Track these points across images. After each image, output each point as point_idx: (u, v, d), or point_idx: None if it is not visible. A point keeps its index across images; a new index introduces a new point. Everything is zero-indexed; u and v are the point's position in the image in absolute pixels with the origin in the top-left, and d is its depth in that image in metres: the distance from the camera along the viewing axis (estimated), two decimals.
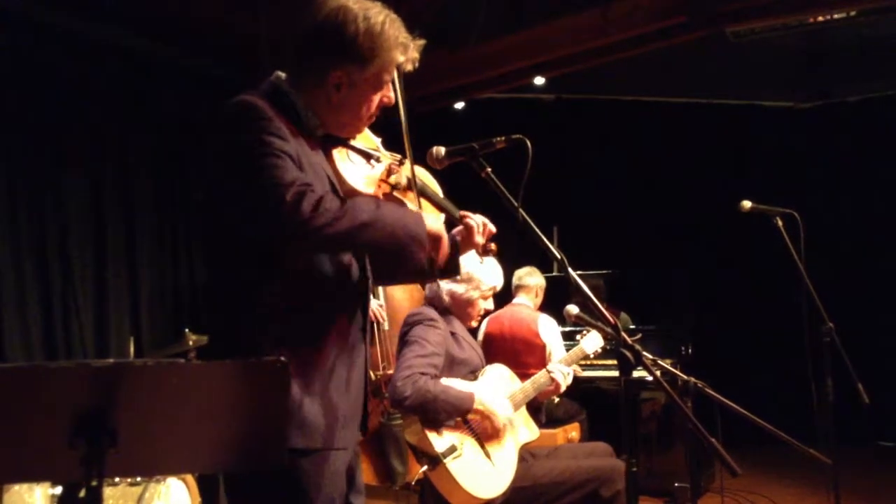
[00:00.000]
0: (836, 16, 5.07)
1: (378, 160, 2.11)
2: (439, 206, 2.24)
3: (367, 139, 2.18)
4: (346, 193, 2.01)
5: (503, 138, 2.07)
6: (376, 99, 1.99)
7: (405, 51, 1.96)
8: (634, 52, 5.44)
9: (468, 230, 2.21)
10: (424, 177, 2.23)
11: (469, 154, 2.09)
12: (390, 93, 2.01)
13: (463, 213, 2.24)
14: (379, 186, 2.11)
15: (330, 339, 1.90)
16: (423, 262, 1.90)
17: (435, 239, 1.92)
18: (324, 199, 1.73)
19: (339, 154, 2.06)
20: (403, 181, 2.15)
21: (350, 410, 1.95)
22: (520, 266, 5.06)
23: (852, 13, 5.03)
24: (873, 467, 5.93)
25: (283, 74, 1.98)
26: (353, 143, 2.09)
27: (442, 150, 2.12)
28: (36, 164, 4.58)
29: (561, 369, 3.61)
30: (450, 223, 2.26)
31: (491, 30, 5.66)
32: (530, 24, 5.58)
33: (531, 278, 4.99)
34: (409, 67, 2.00)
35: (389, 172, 2.13)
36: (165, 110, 5.28)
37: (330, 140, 2.04)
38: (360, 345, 2.00)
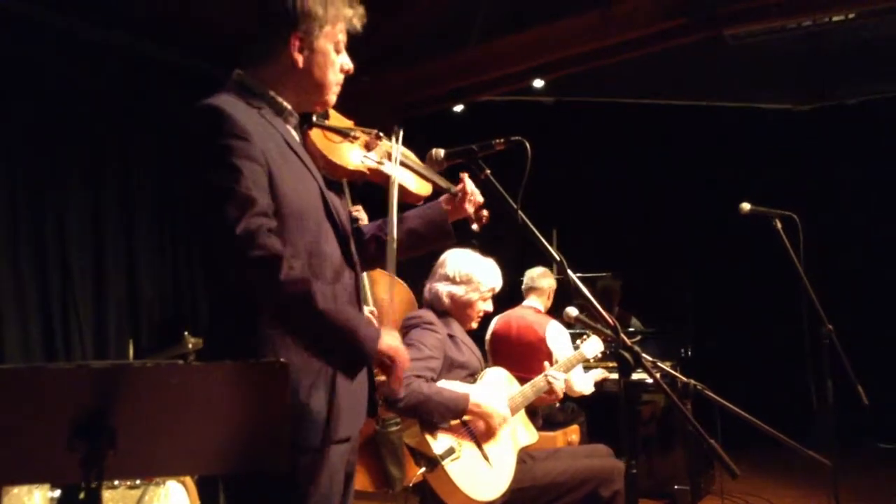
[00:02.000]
0: (834, 18, 5.07)
1: (356, 137, 2.14)
2: (423, 176, 2.25)
3: (340, 120, 2.20)
4: (330, 170, 2.06)
5: (502, 140, 2.08)
6: (338, 62, 2.01)
7: (352, 6, 2.01)
8: (633, 54, 5.43)
9: (458, 197, 2.24)
10: (405, 153, 2.25)
11: (468, 156, 2.10)
12: (347, 59, 2.04)
13: (463, 174, 2.25)
14: (361, 162, 2.13)
15: None
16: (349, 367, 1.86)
17: (389, 357, 1.86)
18: (284, 256, 1.73)
19: (316, 134, 2.08)
20: (383, 154, 2.17)
21: (353, 402, 1.96)
22: (520, 268, 5.04)
23: (851, 15, 5.03)
24: (873, 469, 5.92)
25: (241, 71, 2.00)
26: (328, 123, 2.12)
27: (441, 151, 2.13)
28: (35, 167, 4.57)
29: (557, 376, 3.60)
30: (436, 192, 2.28)
31: (490, 32, 5.66)
32: (529, 26, 5.57)
33: (543, 280, 4.93)
34: (358, 25, 2.03)
35: (368, 147, 2.16)
36: (165, 113, 5.27)
37: (305, 122, 2.06)
38: None
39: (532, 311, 4.86)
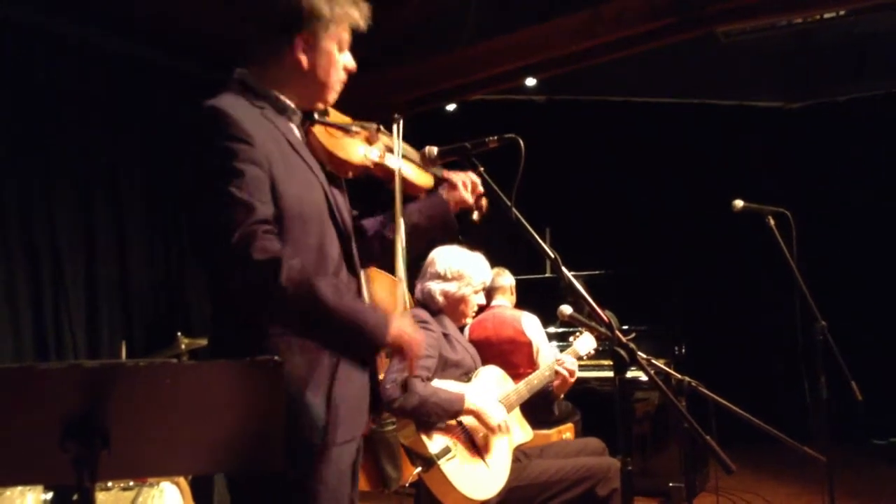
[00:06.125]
0: (825, 15, 5.08)
1: (356, 132, 2.15)
2: (424, 168, 2.26)
3: (339, 116, 2.21)
4: (335, 166, 2.06)
5: (496, 137, 2.08)
6: (342, 62, 2.02)
7: (357, 5, 2.01)
8: (625, 52, 5.44)
9: (452, 184, 2.23)
10: (405, 146, 2.25)
11: (462, 153, 2.10)
12: (350, 58, 2.05)
13: (447, 172, 2.27)
14: (365, 156, 2.13)
15: None
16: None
17: (402, 343, 1.87)
18: (283, 258, 1.71)
19: (318, 131, 2.08)
20: (383, 148, 2.18)
21: (356, 401, 1.96)
22: (510, 266, 5.03)
23: (842, 13, 5.05)
24: (867, 465, 5.94)
25: (244, 70, 2.00)
26: (328, 119, 2.13)
27: (434, 149, 2.14)
28: (25, 165, 4.55)
29: (570, 362, 3.63)
30: (436, 183, 2.28)
31: (481, 31, 5.66)
32: (521, 26, 5.58)
33: (503, 279, 4.95)
34: (363, 24, 2.03)
35: (370, 141, 2.16)
36: (155, 112, 5.26)
37: (307, 119, 2.07)
38: None
39: (502, 308, 4.87)
